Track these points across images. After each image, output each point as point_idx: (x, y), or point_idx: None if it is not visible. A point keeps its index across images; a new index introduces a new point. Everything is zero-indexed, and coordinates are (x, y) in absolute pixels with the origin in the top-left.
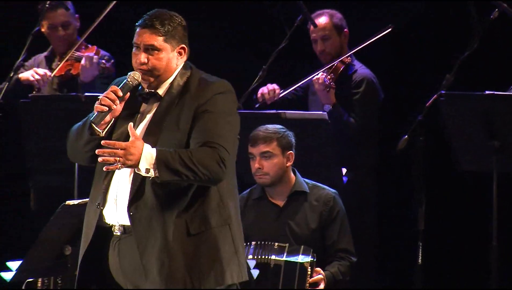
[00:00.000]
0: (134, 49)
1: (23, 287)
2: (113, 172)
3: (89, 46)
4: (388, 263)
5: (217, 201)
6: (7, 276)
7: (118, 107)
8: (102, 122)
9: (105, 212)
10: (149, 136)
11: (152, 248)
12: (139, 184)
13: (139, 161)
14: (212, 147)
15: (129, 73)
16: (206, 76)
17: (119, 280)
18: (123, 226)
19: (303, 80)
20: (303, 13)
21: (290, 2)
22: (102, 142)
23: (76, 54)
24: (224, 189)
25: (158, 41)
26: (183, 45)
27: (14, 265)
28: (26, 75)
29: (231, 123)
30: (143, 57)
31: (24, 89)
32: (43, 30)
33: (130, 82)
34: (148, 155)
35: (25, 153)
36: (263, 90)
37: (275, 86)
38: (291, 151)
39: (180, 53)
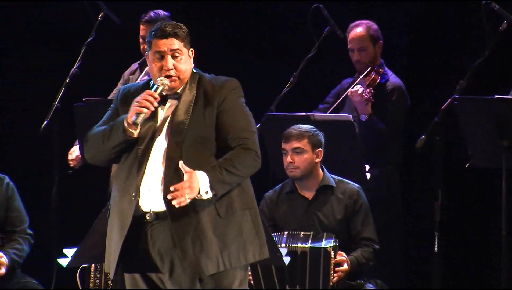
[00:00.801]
0: (154, 59)
1: (78, 273)
2: (146, 165)
3: None
4: (409, 251)
5: (239, 188)
6: (64, 262)
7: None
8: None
9: (140, 202)
10: (176, 133)
11: (188, 230)
12: (172, 174)
13: (200, 189)
14: (243, 145)
15: (158, 79)
16: (211, 76)
17: (151, 264)
18: (156, 212)
19: (345, 92)
20: (330, 25)
21: (318, 14)
22: (171, 187)
23: None
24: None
25: (181, 46)
26: (192, 49)
27: (69, 252)
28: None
29: (248, 114)
30: (170, 64)
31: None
32: (141, 34)
33: (161, 86)
34: (203, 181)
35: (80, 149)
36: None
37: None
38: (320, 149)
39: (190, 56)
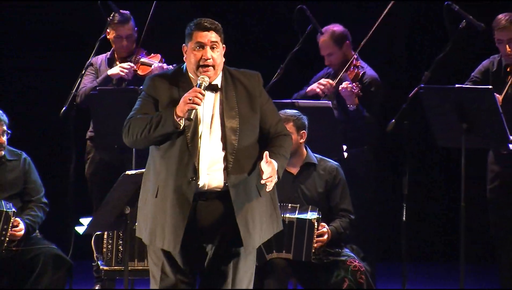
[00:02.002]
0: (194, 48)
1: (92, 239)
2: (199, 150)
3: (153, 54)
4: (381, 220)
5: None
6: (80, 230)
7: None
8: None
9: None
10: (229, 120)
11: (240, 209)
12: (232, 157)
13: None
14: (284, 132)
15: (200, 77)
16: (233, 68)
17: (202, 237)
18: (213, 192)
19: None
20: (312, 23)
21: (302, 13)
22: (262, 181)
23: (141, 59)
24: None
25: (218, 39)
26: (224, 45)
27: (85, 221)
28: (115, 71)
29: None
30: (209, 54)
31: (110, 82)
32: (108, 36)
33: (204, 83)
34: (279, 169)
35: (95, 133)
36: (322, 83)
37: (329, 80)
38: (304, 131)
39: (223, 50)
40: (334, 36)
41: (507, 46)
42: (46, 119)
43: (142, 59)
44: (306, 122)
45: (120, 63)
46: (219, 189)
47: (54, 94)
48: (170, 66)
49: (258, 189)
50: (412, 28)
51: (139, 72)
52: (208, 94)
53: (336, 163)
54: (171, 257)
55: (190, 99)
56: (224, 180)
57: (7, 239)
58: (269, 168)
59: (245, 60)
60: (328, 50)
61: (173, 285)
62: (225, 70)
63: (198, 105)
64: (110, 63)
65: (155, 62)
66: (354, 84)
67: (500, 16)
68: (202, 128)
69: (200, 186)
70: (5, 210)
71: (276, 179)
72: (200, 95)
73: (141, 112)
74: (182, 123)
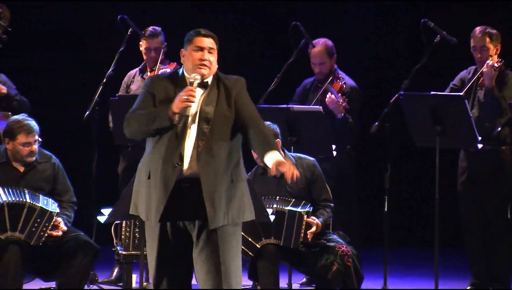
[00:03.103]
0: (194, 50)
1: (112, 228)
2: (185, 140)
3: (171, 62)
4: (365, 211)
5: (241, 163)
6: (102, 219)
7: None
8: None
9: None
10: (205, 112)
11: (212, 191)
12: (204, 146)
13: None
14: (262, 124)
15: (192, 75)
16: (223, 74)
17: (182, 215)
18: (191, 177)
19: (307, 91)
20: (305, 38)
21: (296, 29)
22: (284, 182)
23: (162, 67)
24: (241, 155)
25: (214, 46)
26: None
27: (106, 211)
28: (135, 87)
29: (252, 102)
30: (207, 56)
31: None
32: (141, 48)
33: (196, 81)
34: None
35: (114, 134)
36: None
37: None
38: (278, 139)
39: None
40: (327, 48)
41: (478, 52)
42: (72, 123)
43: (162, 67)
44: (279, 130)
45: (149, 72)
46: (195, 175)
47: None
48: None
49: (232, 176)
50: (393, 42)
51: None
52: (198, 90)
53: (312, 158)
54: (163, 233)
55: (185, 98)
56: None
57: (46, 235)
58: (286, 166)
59: (245, 61)
60: (321, 60)
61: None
62: (216, 73)
63: (193, 102)
64: (142, 72)
65: (168, 68)
66: (340, 97)
67: (477, 28)
68: (190, 120)
69: (184, 171)
70: (50, 210)
71: (293, 165)
72: (193, 93)
73: (141, 107)
74: (176, 118)
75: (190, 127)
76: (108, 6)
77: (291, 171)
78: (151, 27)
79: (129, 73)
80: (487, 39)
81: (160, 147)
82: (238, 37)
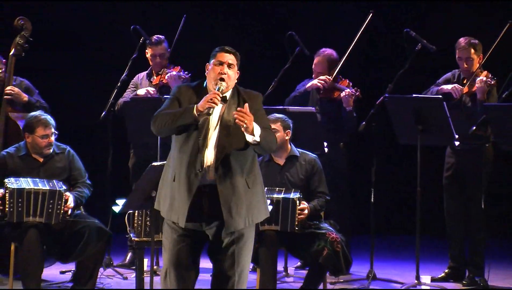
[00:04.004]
0: (215, 64)
1: (126, 217)
2: (206, 148)
3: (175, 66)
4: (354, 201)
5: (256, 167)
6: (116, 209)
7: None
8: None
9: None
10: (225, 126)
11: (230, 196)
12: (223, 156)
13: (254, 129)
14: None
15: (219, 82)
16: (242, 88)
17: (202, 217)
18: (209, 184)
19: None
20: (300, 46)
21: (292, 38)
22: (239, 109)
23: (167, 71)
24: (256, 161)
25: (235, 62)
26: (238, 71)
27: (120, 202)
28: (142, 92)
29: (266, 116)
30: (226, 70)
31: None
32: (147, 55)
33: (222, 87)
34: (256, 127)
35: (127, 132)
36: (322, 78)
37: (327, 76)
38: (289, 130)
39: (237, 74)
40: (330, 60)
41: (464, 63)
42: (89, 122)
43: (167, 71)
44: (291, 124)
45: (155, 76)
46: (214, 181)
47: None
48: (184, 73)
49: (247, 182)
50: (378, 50)
51: (164, 82)
52: (220, 105)
53: (314, 155)
54: (177, 231)
55: (211, 99)
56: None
57: (62, 211)
58: (249, 115)
59: (245, 61)
60: (321, 70)
61: (177, 254)
62: (235, 87)
63: (216, 104)
64: (149, 76)
65: (173, 72)
66: (354, 89)
67: (461, 39)
68: (210, 132)
69: (205, 177)
70: (58, 189)
71: (251, 126)
72: (218, 97)
73: (168, 108)
74: (200, 117)
75: (210, 137)
76: (108, 6)
77: (245, 116)
78: (155, 36)
79: (136, 76)
80: (472, 50)
81: (184, 153)
82: (238, 38)
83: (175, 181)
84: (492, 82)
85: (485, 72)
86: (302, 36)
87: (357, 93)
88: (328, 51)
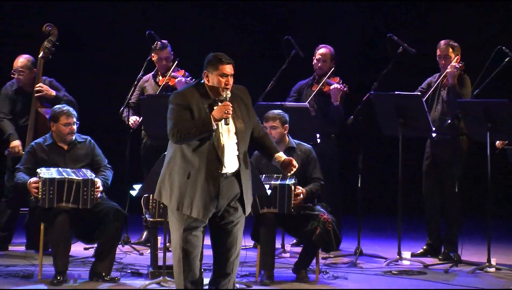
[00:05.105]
0: (220, 75)
1: (142, 199)
2: (223, 145)
3: (179, 69)
4: (343, 186)
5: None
6: (133, 193)
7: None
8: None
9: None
10: (239, 125)
11: (246, 181)
12: (240, 151)
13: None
14: (263, 131)
15: (224, 91)
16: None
17: (219, 202)
18: (231, 173)
19: (302, 89)
20: (296, 49)
21: (288, 42)
22: (293, 165)
23: (172, 73)
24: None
25: (232, 71)
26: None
27: (137, 187)
28: (132, 120)
29: None
30: (231, 81)
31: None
32: (153, 58)
33: (227, 96)
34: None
35: (144, 125)
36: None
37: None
38: (286, 125)
39: None
40: (332, 53)
41: (443, 60)
42: (109, 116)
43: (173, 74)
44: (288, 118)
45: (161, 78)
46: (233, 171)
47: (115, 97)
48: (187, 78)
49: (247, 166)
50: (367, 52)
51: (169, 83)
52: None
53: (309, 145)
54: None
55: (226, 111)
56: (237, 165)
57: (95, 196)
58: (294, 163)
59: (245, 61)
60: (325, 58)
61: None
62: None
63: (231, 114)
64: (155, 78)
65: (179, 76)
66: (342, 84)
67: (441, 41)
68: (222, 131)
69: (223, 172)
70: (90, 178)
71: (293, 163)
72: (230, 107)
73: (181, 119)
74: (215, 125)
75: (222, 136)
76: (108, 6)
77: (290, 169)
78: (160, 41)
79: (143, 78)
80: (450, 50)
81: (201, 154)
82: (238, 38)
83: (190, 179)
84: (460, 65)
85: (457, 59)
86: (302, 36)
87: (345, 89)
88: (327, 46)
